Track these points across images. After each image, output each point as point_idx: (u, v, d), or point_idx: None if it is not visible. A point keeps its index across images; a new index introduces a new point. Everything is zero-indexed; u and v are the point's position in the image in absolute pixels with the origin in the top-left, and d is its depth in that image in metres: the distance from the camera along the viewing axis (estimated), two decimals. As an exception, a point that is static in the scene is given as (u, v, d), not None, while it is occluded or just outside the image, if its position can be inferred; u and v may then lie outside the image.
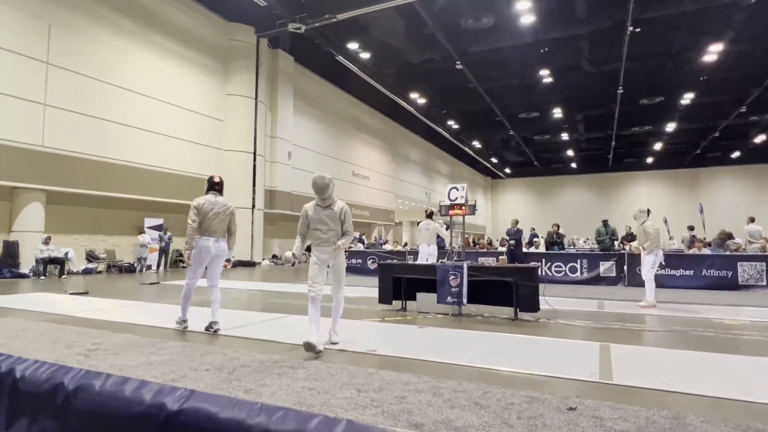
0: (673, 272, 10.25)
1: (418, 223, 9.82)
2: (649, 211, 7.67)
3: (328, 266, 4.50)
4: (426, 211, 9.70)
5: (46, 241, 11.99)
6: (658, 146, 33.73)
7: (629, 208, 7.76)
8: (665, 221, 24.00)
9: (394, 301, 6.95)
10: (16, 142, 11.49)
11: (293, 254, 4.57)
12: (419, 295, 6.86)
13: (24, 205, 12.08)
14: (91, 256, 13.86)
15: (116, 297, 8.23)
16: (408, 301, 6.97)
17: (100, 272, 13.75)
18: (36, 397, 0.66)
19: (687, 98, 22.73)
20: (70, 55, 12.77)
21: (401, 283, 6.90)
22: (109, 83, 13.78)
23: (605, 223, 13.03)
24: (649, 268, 7.34)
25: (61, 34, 12.58)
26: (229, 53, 18.00)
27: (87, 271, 13.30)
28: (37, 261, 11.79)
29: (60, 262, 12.20)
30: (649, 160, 38.65)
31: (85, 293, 8.63)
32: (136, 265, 14.48)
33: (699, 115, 25.41)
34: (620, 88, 20.39)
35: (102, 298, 8.11)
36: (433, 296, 6.47)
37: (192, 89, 16.61)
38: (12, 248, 11.78)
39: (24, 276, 11.60)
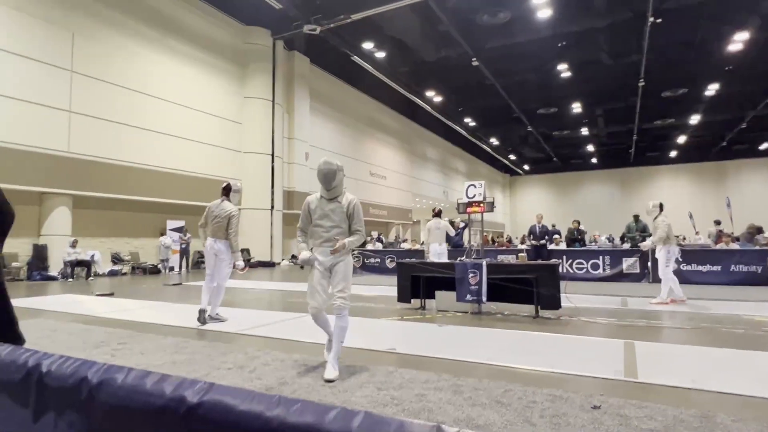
0: (699, 268, 9.98)
1: (427, 221, 9.75)
2: (662, 205, 7.46)
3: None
4: (434, 210, 9.65)
5: (73, 244, 12.33)
6: (681, 139, 32.88)
7: (660, 202, 7.52)
8: (690, 216, 23.37)
9: (412, 300, 6.94)
10: (43, 148, 11.84)
11: (303, 255, 3.79)
12: (438, 294, 6.83)
13: (52, 209, 12.44)
14: (116, 258, 14.20)
15: (141, 298, 8.42)
16: (427, 300, 6.95)
17: (124, 274, 14.08)
18: (61, 391, 0.67)
19: (711, 89, 22.10)
20: (92, 62, 13.10)
21: (420, 281, 6.88)
22: (130, 89, 14.09)
23: (636, 218, 12.25)
24: (663, 264, 7.15)
25: (84, 43, 12.92)
26: (246, 56, 18.22)
27: (112, 273, 13.63)
28: (65, 263, 12.14)
29: (87, 265, 12.54)
30: (673, 153, 37.71)
31: (111, 294, 8.84)
32: (159, 266, 14.79)
33: (725, 106, 24.67)
34: (641, 80, 19.95)
35: (127, 299, 8.31)
36: (452, 294, 6.44)
37: (211, 93, 16.87)
38: (41, 251, 12.15)
39: (53, 278, 11.95)
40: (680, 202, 34.03)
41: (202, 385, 0.55)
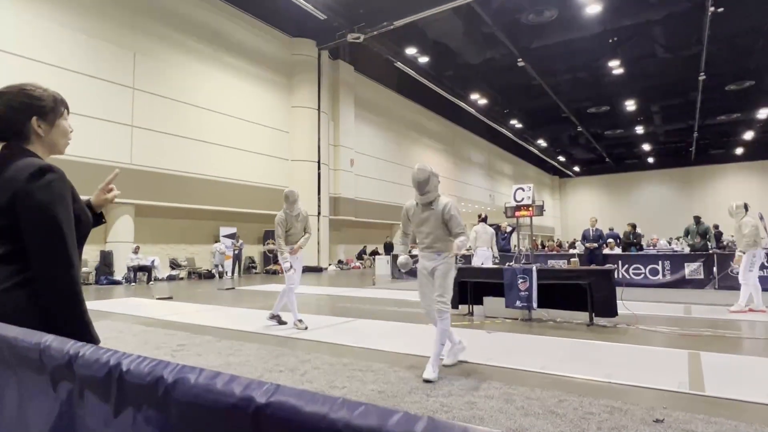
0: (773, 273, 9.24)
1: (473, 226, 9.67)
2: (746, 206, 6.88)
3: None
4: (479, 216, 9.62)
5: (136, 251, 13.11)
6: (749, 135, 30.65)
7: (716, 203, 6.92)
8: (761, 217, 21.64)
9: (460, 306, 6.85)
10: (108, 161, 12.68)
11: (400, 259, 4.03)
12: (486, 300, 6.71)
13: (116, 218, 13.30)
14: (173, 264, 14.96)
15: (197, 302, 8.82)
16: (475, 306, 6.84)
17: (181, 278, 14.80)
18: (139, 388, 0.73)
19: (782, 80, 20.50)
20: (152, 79, 13.94)
21: (467, 287, 6.79)
22: (186, 103, 14.87)
23: (697, 220, 11.47)
24: (746, 269, 6.62)
25: (145, 61, 13.77)
26: (293, 67, 18.76)
27: (170, 278, 14.36)
28: (128, 269, 12.92)
29: (147, 270, 13.29)
30: (739, 150, 35.19)
31: (170, 298, 9.32)
32: (214, 271, 15.44)
33: (797, 98, 22.80)
34: (702, 74, 18.80)
35: (185, 302, 8.72)
36: (500, 300, 6.31)
37: (260, 104, 17.49)
38: (107, 258, 13.00)
39: (117, 282, 12.76)
40: (750, 203, 31.65)
41: (270, 386, 0.57)
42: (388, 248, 20.34)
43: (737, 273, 7.00)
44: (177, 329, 5.80)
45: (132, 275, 12.89)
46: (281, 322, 5.93)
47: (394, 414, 0.48)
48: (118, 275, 12.97)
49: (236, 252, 15.87)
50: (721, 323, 5.91)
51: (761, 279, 9.10)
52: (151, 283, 13.12)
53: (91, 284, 12.51)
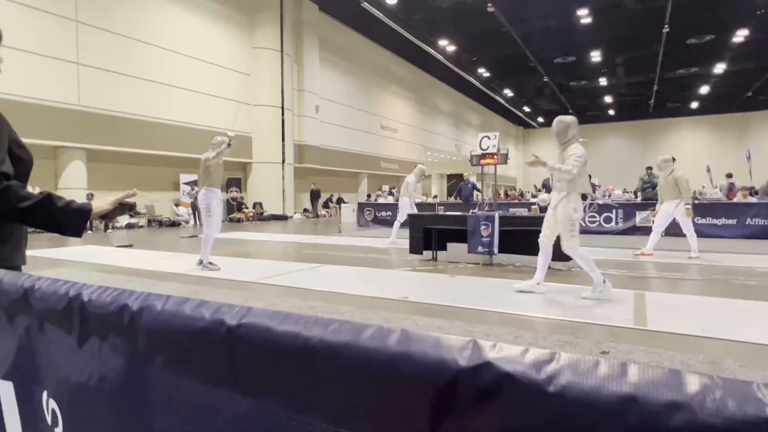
0: (714, 221, 9.88)
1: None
2: (674, 159, 7.17)
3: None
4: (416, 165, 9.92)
5: (89, 198, 12.55)
6: (704, 90, 31.59)
7: (672, 156, 7.20)
8: (708, 169, 22.86)
9: (425, 252, 7.02)
10: (53, 101, 11.81)
11: (540, 196, 4.80)
12: (450, 246, 6.89)
13: (66, 163, 12.57)
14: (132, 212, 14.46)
15: (158, 249, 8.63)
16: (439, 252, 7.03)
17: (141, 227, 14.38)
18: (103, 317, 0.71)
19: (740, 35, 20.95)
20: (98, 12, 12.79)
21: (432, 233, 6.93)
22: (138, 40, 13.81)
23: (648, 170, 11.95)
24: (685, 219, 6.90)
25: (88, -10, 12.56)
26: (254, 4, 17.61)
27: (129, 226, 13.93)
28: (83, 216, 12.41)
29: (104, 218, 12.80)
30: (694, 104, 36.35)
31: (130, 246, 9.08)
32: (174, 219, 15.03)
33: (752, 54, 23.43)
34: (666, 26, 18.94)
35: (145, 250, 8.53)
36: (463, 246, 6.50)
37: (219, 44, 16.48)
38: (59, 205, 12.40)
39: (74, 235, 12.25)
40: (700, 155, 33.20)
41: (241, 308, 0.57)
42: (315, 195, 20.16)
43: (653, 222, 7.37)
44: (140, 276, 5.70)
45: (88, 223, 12.40)
46: (213, 268, 6.01)
47: (368, 328, 0.49)
48: (73, 223, 12.44)
49: (193, 200, 15.34)
50: (666, 266, 6.33)
51: (701, 227, 9.74)
52: (109, 230, 12.70)
53: (42, 232, 11.98)
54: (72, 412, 0.80)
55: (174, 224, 14.85)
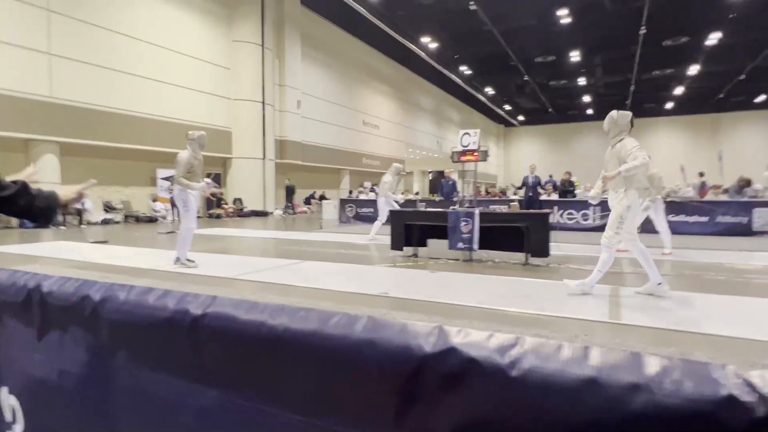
0: (687, 219, 10.15)
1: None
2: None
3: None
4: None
5: (63, 192, 12.20)
6: (679, 90, 32.39)
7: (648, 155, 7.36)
8: (682, 169, 23.43)
9: (405, 248, 7.04)
10: (24, 93, 11.42)
11: (591, 191, 4.70)
12: (430, 242, 6.92)
13: (38, 157, 12.18)
14: (108, 207, 14.12)
15: (135, 245, 8.45)
16: (419, 248, 7.05)
17: (117, 222, 14.05)
18: (64, 309, 0.68)
19: (713, 38, 21.52)
20: (72, 1, 12.40)
21: (413, 229, 6.95)
22: (114, 31, 13.45)
23: None
24: (660, 217, 7.07)
25: (60, -21, 12.16)
26: (234, -4, 17.34)
27: (105, 221, 13.60)
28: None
29: (79, 213, 12.48)
30: (669, 105, 37.25)
31: (105, 242, 8.87)
32: (152, 215, 14.73)
33: (725, 56, 24.12)
34: (643, 27, 19.33)
35: (121, 246, 8.34)
36: (444, 242, 6.53)
37: (199, 37, 16.17)
38: (31, 199, 12.02)
39: (44, 226, 11.91)
40: (675, 155, 34.02)
41: (206, 297, 0.55)
42: (290, 191, 19.76)
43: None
44: (115, 272, 5.57)
45: (61, 218, 12.06)
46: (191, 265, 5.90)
47: (334, 315, 0.48)
48: (45, 218, 12.08)
49: (171, 195, 15.03)
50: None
51: (674, 224, 10.00)
52: (84, 226, 12.37)
53: (14, 228, 11.62)
54: (32, 408, 0.77)
55: (151, 220, 14.55)
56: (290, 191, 19.83)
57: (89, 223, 12.85)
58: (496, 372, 0.39)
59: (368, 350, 0.45)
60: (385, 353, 0.44)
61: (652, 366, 0.35)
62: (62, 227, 11.96)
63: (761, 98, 33.98)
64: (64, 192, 1.48)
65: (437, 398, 0.42)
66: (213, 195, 16.61)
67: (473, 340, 0.41)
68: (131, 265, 6.16)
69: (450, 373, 0.41)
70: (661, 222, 7.06)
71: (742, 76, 27.25)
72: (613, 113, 4.25)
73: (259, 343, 0.52)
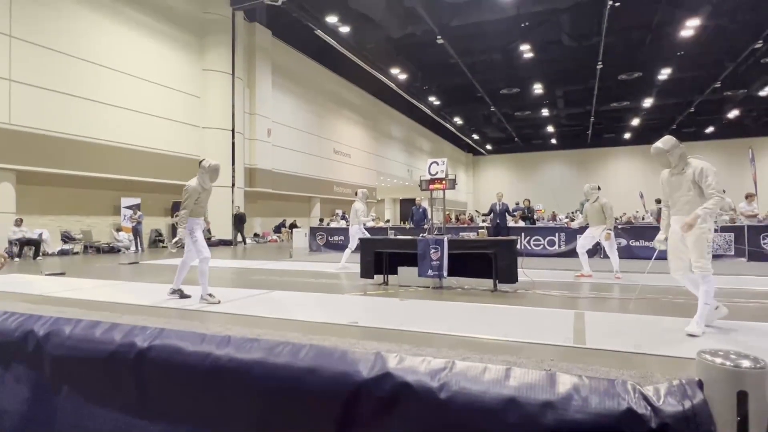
0: (646, 243, 10.53)
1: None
2: (599, 187, 7.68)
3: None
4: (356, 193, 9.92)
5: (18, 223, 11.68)
6: (635, 122, 34.18)
7: (607, 183, 7.75)
8: (641, 196, 24.54)
9: (375, 276, 7.02)
10: (-19, 119, 11.04)
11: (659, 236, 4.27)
12: (401, 269, 6.93)
13: (-7, 185, 11.69)
14: (66, 237, 13.56)
15: (94, 277, 8.12)
16: (390, 276, 7.04)
17: (76, 253, 13.49)
18: (6, 346, 0.67)
19: (664, 74, 22.97)
20: (35, 27, 12.20)
21: (383, 257, 6.96)
22: (79, 58, 13.25)
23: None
24: (614, 243, 7.47)
25: (24, 5, 11.98)
26: (204, 27, 17.43)
27: (63, 252, 13.03)
28: (10, 242, 11.50)
29: (35, 244, 11.93)
30: (627, 135, 39.19)
31: (62, 274, 8.49)
32: (114, 245, 14.22)
33: (675, 90, 25.74)
34: (600, 63, 20.47)
35: (79, 278, 7.99)
36: (414, 270, 6.56)
37: (167, 65, 16.10)
38: (-17, 230, 11.45)
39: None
40: (634, 183, 35.57)
41: (153, 330, 0.56)
42: (240, 219, 17.75)
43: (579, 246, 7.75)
44: (71, 306, 5.32)
45: (16, 250, 11.50)
46: (184, 296, 5.68)
47: (280, 345, 0.49)
48: (-2, 250, 11.50)
49: (135, 225, 14.53)
50: (604, 287, 6.67)
51: (636, 249, 10.38)
52: (40, 258, 11.81)
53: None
54: (-32, 451, 0.73)
55: (113, 250, 14.04)
56: (239, 219, 17.80)
57: (45, 254, 12.29)
58: (427, 395, 0.41)
59: (310, 377, 0.46)
60: (325, 380, 0.45)
61: (564, 384, 0.37)
62: (17, 259, 11.39)
63: (710, 129, 36.17)
64: None
65: (374, 422, 0.43)
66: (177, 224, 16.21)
67: (408, 365, 0.43)
68: (89, 297, 5.90)
69: (385, 397, 0.43)
70: (611, 247, 7.42)
71: (692, 109, 29.02)
72: (660, 146, 4.08)
73: (206, 374, 0.53)
